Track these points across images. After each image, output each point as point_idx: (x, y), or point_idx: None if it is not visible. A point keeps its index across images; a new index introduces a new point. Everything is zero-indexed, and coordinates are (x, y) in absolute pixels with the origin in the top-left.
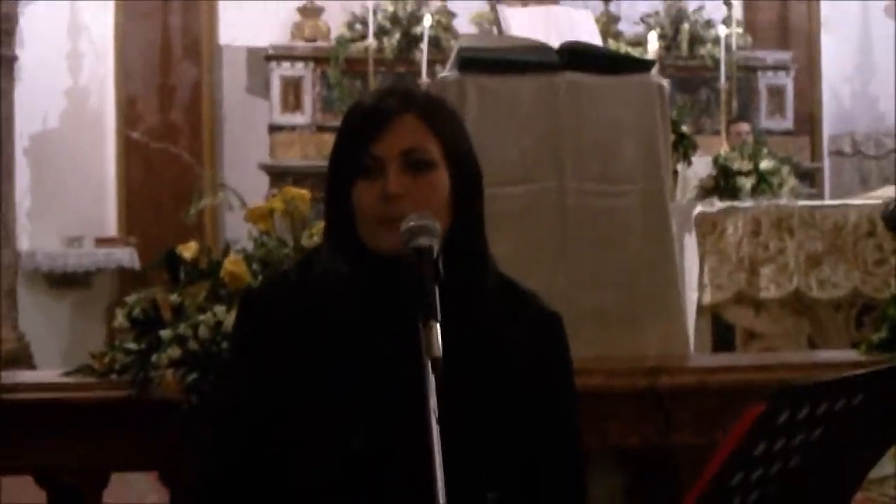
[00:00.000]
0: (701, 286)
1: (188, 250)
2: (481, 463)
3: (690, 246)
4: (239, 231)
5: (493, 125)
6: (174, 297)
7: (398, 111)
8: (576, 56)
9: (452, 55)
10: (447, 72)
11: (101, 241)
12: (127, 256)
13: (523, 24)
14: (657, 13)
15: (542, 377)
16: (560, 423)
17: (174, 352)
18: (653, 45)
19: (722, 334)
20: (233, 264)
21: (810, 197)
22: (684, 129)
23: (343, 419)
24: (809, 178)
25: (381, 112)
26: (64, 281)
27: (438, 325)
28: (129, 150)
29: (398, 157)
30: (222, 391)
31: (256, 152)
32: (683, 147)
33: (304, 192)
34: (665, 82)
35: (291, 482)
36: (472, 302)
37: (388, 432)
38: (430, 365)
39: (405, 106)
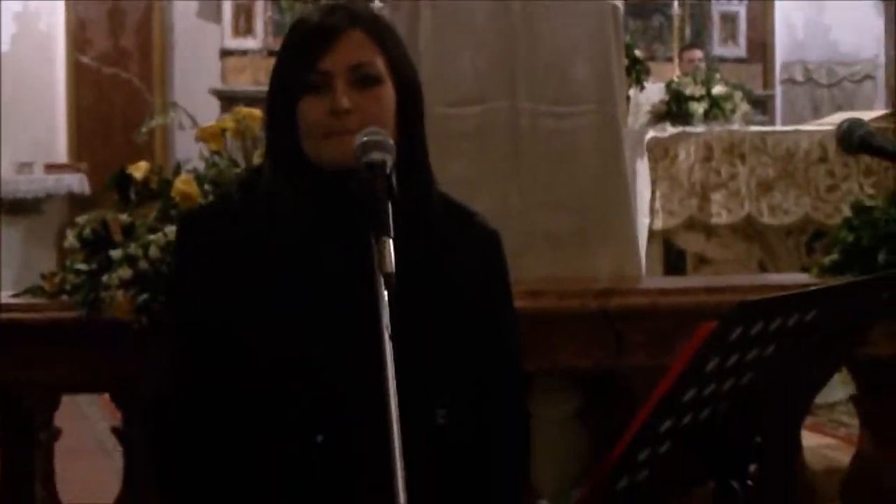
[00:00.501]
0: (652, 212)
1: (139, 170)
2: (431, 380)
3: (642, 171)
4: (190, 153)
5: (447, 45)
6: (125, 218)
7: (345, 27)
8: None
9: None
10: None
11: (51, 167)
12: (77, 182)
13: None
14: None
15: (486, 295)
16: (501, 341)
17: (125, 272)
18: None
19: (673, 260)
20: (184, 184)
21: (762, 125)
22: (637, 53)
23: (294, 336)
24: (762, 105)
25: (328, 28)
26: (14, 207)
27: (391, 241)
28: (80, 75)
29: (346, 72)
30: (168, 313)
31: (207, 78)
32: (636, 72)
33: (256, 112)
34: (620, 4)
35: (246, 400)
36: (419, 219)
37: (340, 348)
38: (382, 281)
39: (351, 22)
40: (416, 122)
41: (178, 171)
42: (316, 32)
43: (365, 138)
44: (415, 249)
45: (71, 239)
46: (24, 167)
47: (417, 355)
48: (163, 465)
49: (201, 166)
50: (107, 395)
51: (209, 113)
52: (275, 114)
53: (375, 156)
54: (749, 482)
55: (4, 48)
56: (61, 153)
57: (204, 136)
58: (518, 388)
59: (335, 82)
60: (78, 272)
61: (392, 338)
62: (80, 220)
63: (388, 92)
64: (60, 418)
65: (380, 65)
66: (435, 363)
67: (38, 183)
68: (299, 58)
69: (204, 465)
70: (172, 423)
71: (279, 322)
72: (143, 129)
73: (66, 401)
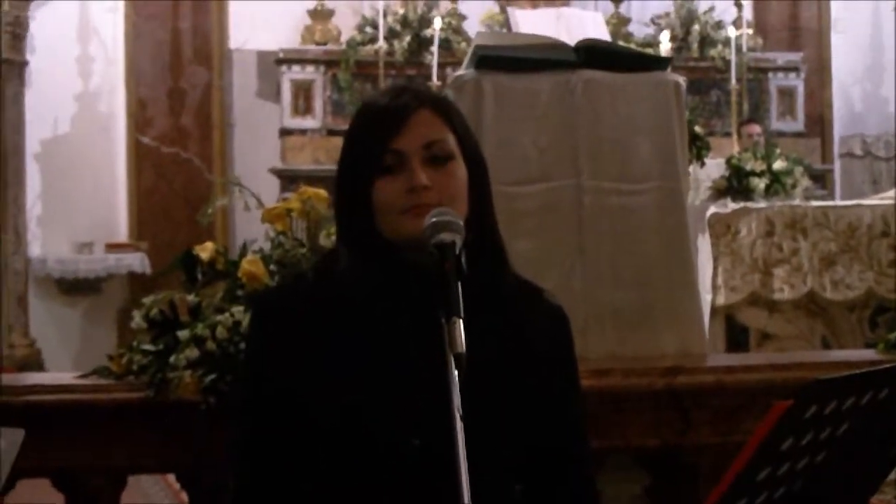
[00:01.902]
0: (714, 288)
1: (205, 251)
2: (506, 455)
3: (704, 247)
4: (250, 234)
5: (511, 123)
6: (191, 298)
7: (414, 107)
8: (592, 54)
9: (469, 53)
10: (463, 70)
11: (112, 247)
12: (137, 261)
13: (533, 26)
14: (667, 14)
15: (556, 371)
16: (571, 417)
17: (192, 352)
18: (664, 46)
19: (735, 336)
20: (250, 264)
21: (822, 198)
22: (697, 129)
23: (369, 416)
24: (820, 180)
25: (398, 109)
26: (75, 287)
27: (461, 322)
28: (140, 155)
29: (420, 150)
30: (241, 394)
31: (267, 156)
32: (697, 148)
33: (322, 192)
34: (681, 80)
35: (322, 480)
36: (492, 296)
37: (414, 428)
38: (453, 361)
39: (419, 101)
40: (486, 198)
41: (244, 251)
42: (386, 114)
43: (434, 219)
44: (488, 326)
45: (138, 319)
46: (85, 247)
47: (493, 431)
48: None
49: (266, 246)
50: (172, 476)
51: (269, 191)
52: (348, 196)
53: (445, 236)
54: None
55: (65, 129)
56: (122, 232)
57: (269, 217)
58: (588, 462)
59: (410, 161)
60: (145, 353)
61: (466, 416)
62: (147, 300)
63: (461, 168)
64: (126, 498)
65: (450, 142)
66: (509, 439)
67: (98, 262)
68: (372, 140)
69: None
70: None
71: (354, 401)
72: (210, 211)
73: (131, 481)
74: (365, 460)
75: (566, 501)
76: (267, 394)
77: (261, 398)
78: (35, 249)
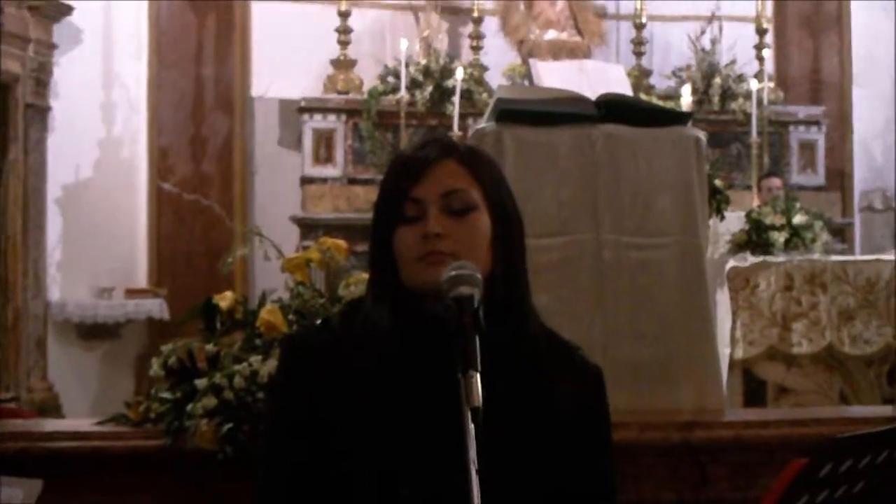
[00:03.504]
0: (733, 341)
1: (224, 300)
2: None
3: (722, 301)
4: (270, 283)
5: (531, 176)
6: (210, 347)
7: (438, 157)
8: (613, 108)
9: (490, 106)
10: (485, 122)
11: (131, 292)
12: (157, 307)
13: (556, 78)
14: (689, 67)
15: (585, 431)
16: (599, 479)
17: (209, 401)
18: (685, 99)
19: (753, 390)
20: (269, 314)
21: (842, 253)
22: (717, 183)
23: (388, 467)
24: (840, 234)
25: (421, 158)
26: (94, 332)
27: (478, 376)
28: (161, 201)
29: (438, 199)
30: (264, 435)
31: (287, 205)
32: (717, 201)
33: (341, 242)
34: (702, 135)
35: None
36: (517, 351)
37: (431, 482)
38: (469, 415)
39: (446, 152)
40: (515, 253)
41: (263, 301)
42: (409, 164)
43: (452, 273)
44: (511, 382)
45: (156, 367)
46: (105, 292)
47: (510, 488)
48: None
49: (285, 296)
50: None
51: (289, 239)
52: (375, 244)
53: (464, 290)
54: None
55: (87, 174)
56: (141, 278)
57: (289, 266)
58: None
59: (428, 209)
60: (163, 401)
61: (482, 471)
62: (166, 348)
63: (483, 220)
64: None
65: (474, 193)
66: (526, 490)
67: (117, 308)
68: (394, 188)
69: None
70: None
71: (371, 451)
72: (230, 260)
73: None
74: None
75: None
76: (289, 429)
77: (283, 433)
78: (55, 294)
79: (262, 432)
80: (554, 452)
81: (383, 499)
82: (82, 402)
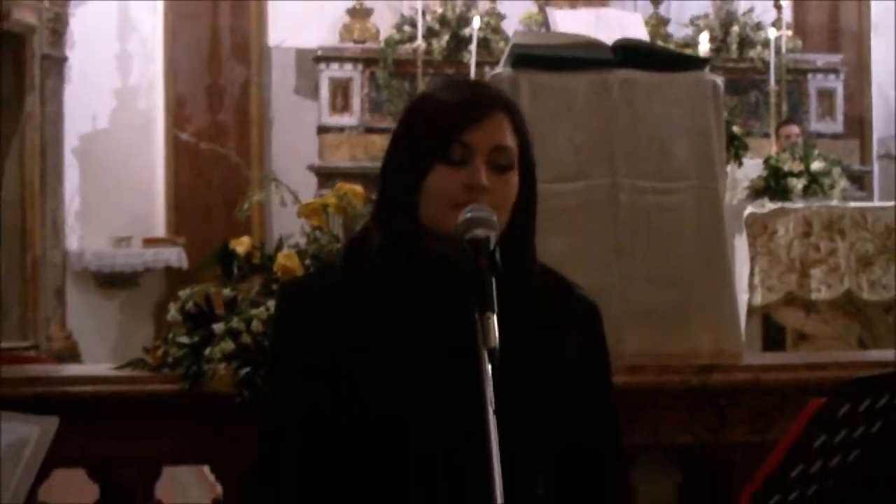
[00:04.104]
0: (751, 287)
1: (241, 245)
2: (531, 451)
3: (741, 247)
4: (287, 230)
5: (547, 122)
6: (227, 292)
7: (494, 106)
8: (629, 53)
9: (506, 51)
10: (500, 68)
11: (149, 241)
12: (175, 256)
13: (572, 26)
14: (706, 15)
15: (587, 366)
16: (602, 412)
17: (227, 345)
18: (703, 47)
19: (772, 336)
20: (286, 258)
21: (860, 200)
22: (735, 129)
23: (401, 411)
24: (859, 181)
25: (478, 102)
26: (112, 280)
27: (495, 317)
28: (178, 151)
29: (487, 151)
30: (269, 388)
31: (304, 154)
32: (735, 148)
33: (357, 188)
34: (719, 80)
35: (352, 472)
36: (519, 293)
37: (444, 423)
38: (486, 355)
39: (499, 103)
40: (531, 208)
41: (280, 246)
42: (464, 105)
43: (469, 215)
44: (516, 322)
45: (173, 312)
46: (123, 241)
47: (519, 427)
48: None
49: (302, 241)
50: (206, 468)
51: (306, 188)
52: (402, 178)
53: (479, 232)
54: None
55: (104, 124)
56: (159, 227)
57: (306, 212)
58: (620, 461)
59: (476, 158)
60: (180, 345)
61: (496, 412)
62: (183, 293)
63: (515, 180)
64: (160, 489)
65: (513, 151)
66: (536, 434)
67: (135, 257)
68: (443, 127)
69: None
70: (276, 494)
71: (383, 394)
72: (246, 207)
73: (166, 473)
74: (382, 455)
75: (595, 496)
76: (292, 379)
77: (286, 383)
78: (73, 243)
79: (266, 384)
80: (558, 388)
81: (396, 444)
82: (101, 351)
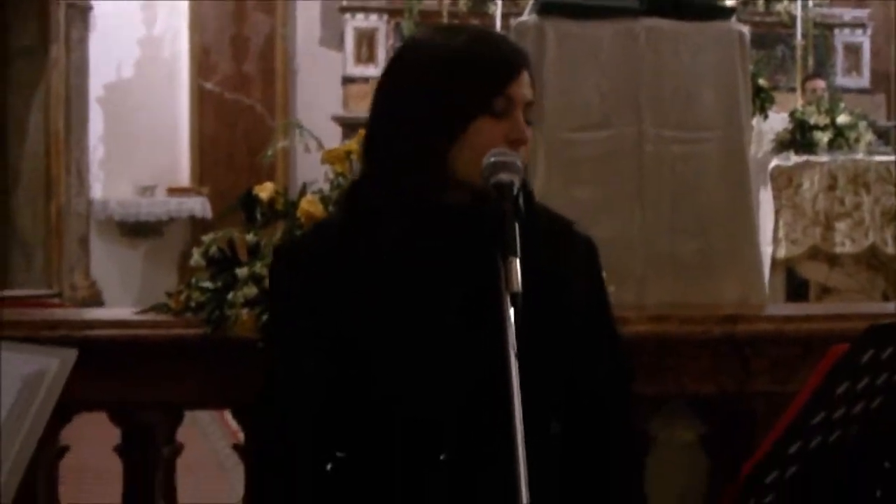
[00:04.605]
0: (775, 240)
1: (265, 191)
2: (545, 391)
3: (765, 200)
4: (311, 176)
5: (573, 70)
6: (251, 237)
7: (526, 60)
8: (656, 1)
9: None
10: (526, 16)
11: (174, 191)
12: (199, 206)
13: None
14: None
15: (589, 303)
16: (606, 347)
17: (250, 290)
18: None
19: (796, 289)
20: (309, 204)
21: (886, 155)
22: (761, 82)
23: (415, 355)
24: (884, 136)
25: (518, 56)
26: (136, 230)
27: (518, 261)
28: (203, 101)
29: (523, 105)
30: (269, 351)
31: (329, 104)
32: (760, 100)
33: None
34: (745, 30)
35: (363, 422)
36: (529, 236)
37: (462, 365)
38: (509, 299)
39: (526, 57)
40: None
41: (303, 191)
42: (509, 59)
43: (493, 159)
44: (525, 266)
45: (197, 257)
46: (147, 190)
47: (532, 367)
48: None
49: (325, 188)
50: (228, 414)
51: (330, 139)
52: (431, 130)
53: (504, 177)
54: None
55: (128, 73)
56: (184, 177)
57: (329, 158)
58: (625, 399)
59: (515, 111)
60: (203, 290)
61: (518, 356)
62: (206, 238)
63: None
64: (181, 435)
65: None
66: (548, 374)
67: (160, 206)
68: (491, 80)
69: (314, 486)
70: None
71: (395, 341)
72: (269, 152)
73: (188, 417)
74: (393, 406)
75: (603, 441)
76: (294, 345)
77: (288, 350)
78: (97, 192)
79: (267, 351)
80: (565, 326)
81: (411, 388)
82: (125, 299)
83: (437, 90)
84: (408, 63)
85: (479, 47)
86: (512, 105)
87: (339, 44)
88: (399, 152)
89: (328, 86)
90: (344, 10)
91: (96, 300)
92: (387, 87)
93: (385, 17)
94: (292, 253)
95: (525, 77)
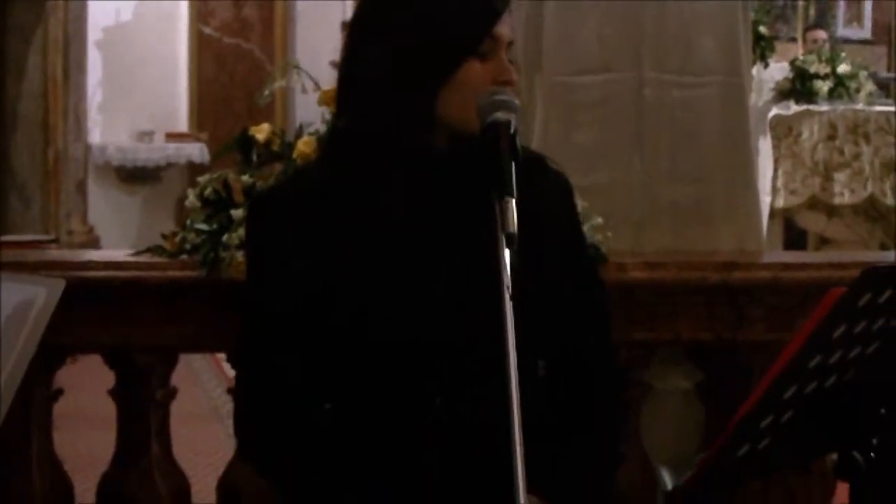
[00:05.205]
0: (774, 190)
1: (260, 132)
2: (532, 333)
3: (765, 149)
4: (310, 118)
5: (572, 12)
6: (246, 178)
7: (506, 1)
8: None
9: None
10: None
11: (172, 136)
12: (197, 151)
13: None
14: None
15: (567, 241)
16: (586, 284)
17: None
18: None
19: (794, 240)
20: (305, 145)
21: (886, 107)
22: (762, 30)
23: (403, 299)
24: (885, 88)
25: None
26: (134, 175)
27: (514, 201)
28: (201, 45)
29: (507, 44)
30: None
31: (328, 50)
32: (761, 48)
33: None
34: None
35: (356, 371)
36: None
37: (454, 308)
38: (504, 240)
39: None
40: None
41: (300, 133)
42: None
43: (491, 98)
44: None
45: (192, 198)
46: (145, 136)
47: (519, 308)
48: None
49: (322, 129)
50: (221, 359)
51: (329, 85)
52: (419, 73)
53: (501, 115)
54: (872, 454)
55: (127, 18)
56: (182, 123)
57: (326, 99)
58: (604, 330)
59: (500, 51)
60: (198, 231)
61: (512, 298)
62: (202, 179)
63: None
64: (176, 377)
65: None
66: (534, 315)
67: (158, 151)
68: (478, 20)
69: (310, 439)
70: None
71: (385, 286)
72: (266, 92)
73: (182, 365)
74: (383, 353)
75: (586, 379)
76: (269, 296)
77: (264, 300)
78: (95, 137)
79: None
80: (548, 266)
81: (402, 332)
82: (123, 245)
83: (423, 33)
84: (386, 4)
85: None
86: (497, 45)
87: None
88: (384, 97)
89: (328, 32)
90: None
91: (94, 246)
92: (366, 28)
93: None
94: (272, 202)
95: (507, 16)
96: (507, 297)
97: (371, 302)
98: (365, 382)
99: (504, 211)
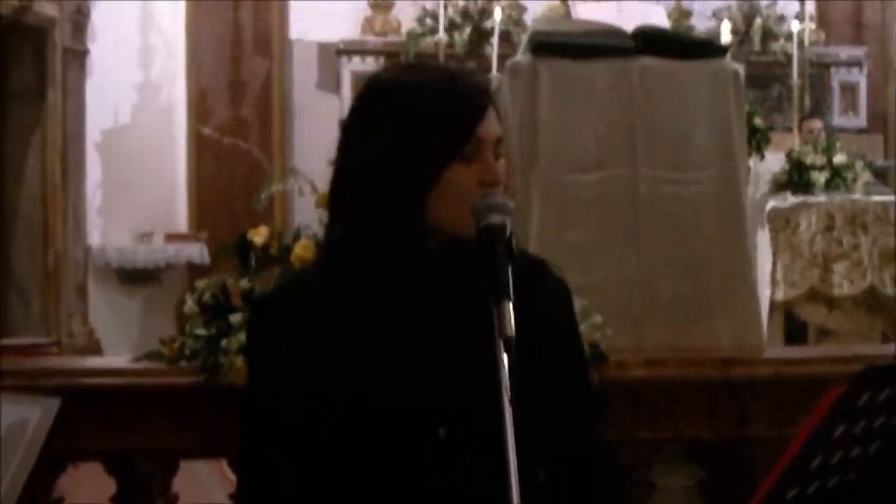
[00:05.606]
0: (773, 283)
1: (259, 236)
2: (532, 438)
3: (763, 242)
4: (308, 220)
5: (567, 110)
6: (244, 283)
7: (489, 96)
8: (650, 40)
9: (525, 39)
10: (519, 56)
11: (172, 237)
12: (197, 252)
13: (595, 19)
14: (730, 8)
15: (565, 345)
16: (583, 388)
17: (244, 337)
18: (725, 38)
19: (794, 332)
20: (303, 249)
21: (883, 195)
22: (758, 122)
23: (401, 402)
24: (882, 176)
25: (482, 99)
26: (134, 276)
27: (511, 304)
28: (200, 146)
29: (493, 144)
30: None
31: (327, 148)
32: (757, 140)
33: None
34: (740, 68)
35: (356, 472)
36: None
37: (439, 418)
38: (502, 345)
39: (490, 96)
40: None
41: (297, 236)
42: (472, 96)
43: (484, 201)
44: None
45: (190, 303)
46: (145, 237)
47: (519, 413)
48: None
49: (319, 231)
50: (223, 464)
51: (328, 183)
52: (407, 178)
53: (495, 219)
54: None
55: (125, 118)
56: (181, 223)
57: (323, 201)
58: (601, 438)
59: (485, 152)
60: (197, 337)
61: (511, 402)
62: (200, 283)
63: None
64: (178, 483)
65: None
66: (533, 420)
67: (157, 253)
68: (462, 123)
69: None
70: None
71: (384, 389)
72: (263, 196)
73: (184, 466)
74: (385, 455)
75: (586, 480)
76: (270, 401)
77: (265, 406)
78: (95, 239)
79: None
80: (547, 373)
81: (402, 435)
82: (123, 347)
83: (406, 141)
84: (373, 114)
85: (443, 92)
86: (481, 146)
87: (336, 87)
88: (373, 204)
89: (326, 129)
90: (340, 52)
91: (94, 348)
92: (352, 135)
93: (382, 59)
94: (272, 307)
95: (491, 114)
96: (506, 401)
97: (368, 390)
98: (361, 460)
99: (502, 315)
